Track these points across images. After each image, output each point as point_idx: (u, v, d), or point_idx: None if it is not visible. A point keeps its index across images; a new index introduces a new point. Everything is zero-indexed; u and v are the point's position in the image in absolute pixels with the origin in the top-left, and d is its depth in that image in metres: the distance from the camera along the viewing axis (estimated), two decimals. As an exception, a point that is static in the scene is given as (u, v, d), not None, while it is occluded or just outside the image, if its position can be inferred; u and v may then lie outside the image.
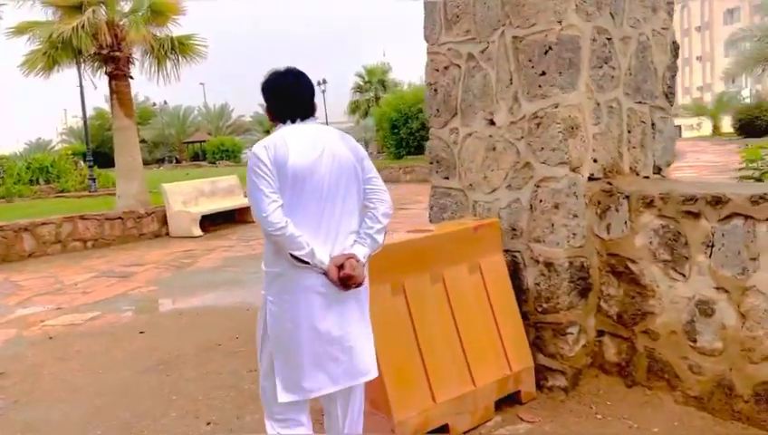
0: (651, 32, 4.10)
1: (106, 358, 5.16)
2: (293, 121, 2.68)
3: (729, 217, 3.20)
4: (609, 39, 3.84)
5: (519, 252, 3.88)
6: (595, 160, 3.81)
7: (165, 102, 57.91)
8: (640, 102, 4.07)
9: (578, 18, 3.66)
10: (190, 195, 12.56)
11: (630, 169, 4.03)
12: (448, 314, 3.49)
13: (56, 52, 12.86)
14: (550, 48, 3.61)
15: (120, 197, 13.27)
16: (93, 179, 21.91)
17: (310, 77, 2.78)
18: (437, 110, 4.37)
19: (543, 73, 3.66)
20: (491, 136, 4.00)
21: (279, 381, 2.61)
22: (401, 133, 25.03)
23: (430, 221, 4.49)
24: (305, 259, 2.52)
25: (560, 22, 3.59)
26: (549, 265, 3.71)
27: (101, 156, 34.72)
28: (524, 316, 3.81)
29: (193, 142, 53.07)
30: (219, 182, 13.39)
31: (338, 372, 2.63)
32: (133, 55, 13.66)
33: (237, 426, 3.70)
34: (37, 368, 5.01)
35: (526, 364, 3.71)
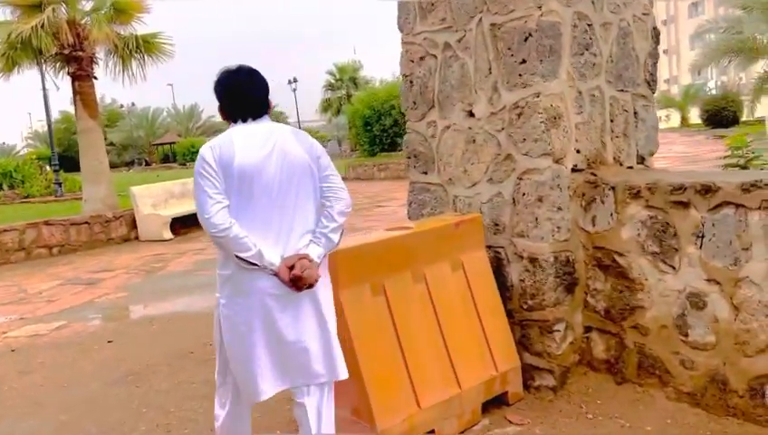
0: (632, 17, 3.98)
1: (72, 370, 4.93)
2: (245, 121, 2.61)
3: (719, 206, 3.09)
4: (589, 25, 3.72)
5: (502, 248, 3.74)
6: (578, 151, 3.69)
7: (132, 104, 57.17)
8: (622, 90, 3.95)
9: (558, 4, 3.52)
10: (160, 197, 12.33)
11: (614, 159, 3.91)
12: (431, 314, 3.35)
13: (15, 52, 12.40)
14: (530, 35, 3.48)
15: (87, 201, 12.88)
16: (59, 184, 21.30)
17: (263, 75, 2.69)
18: (414, 102, 4.21)
19: (524, 62, 3.52)
20: (470, 128, 3.86)
21: (238, 383, 2.63)
22: (374, 130, 24.80)
23: (409, 218, 4.34)
24: (253, 261, 2.46)
25: (539, 7, 3.46)
26: (533, 260, 3.58)
27: (68, 160, 33.93)
28: (509, 314, 3.68)
29: (163, 144, 52.34)
30: (190, 184, 12.99)
31: (292, 373, 2.58)
32: (97, 55, 13.25)
33: (211, 439, 3.51)
34: (-2, 383, 4.75)
35: (513, 364, 3.57)
